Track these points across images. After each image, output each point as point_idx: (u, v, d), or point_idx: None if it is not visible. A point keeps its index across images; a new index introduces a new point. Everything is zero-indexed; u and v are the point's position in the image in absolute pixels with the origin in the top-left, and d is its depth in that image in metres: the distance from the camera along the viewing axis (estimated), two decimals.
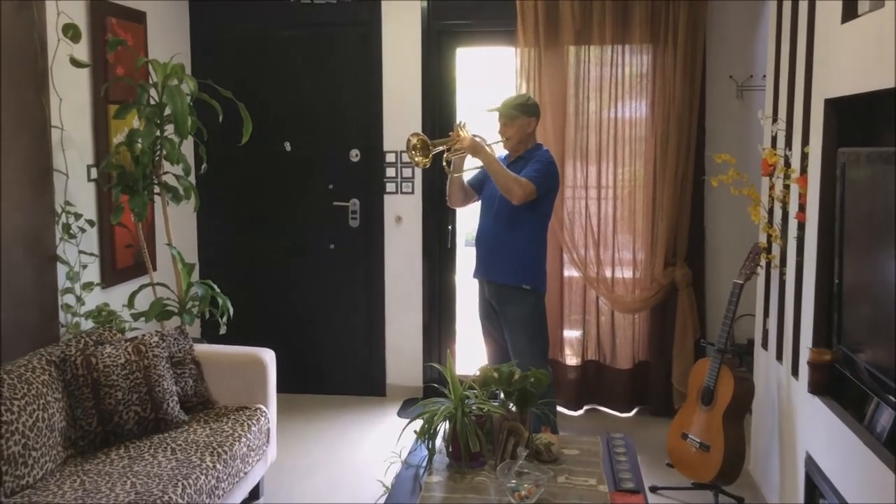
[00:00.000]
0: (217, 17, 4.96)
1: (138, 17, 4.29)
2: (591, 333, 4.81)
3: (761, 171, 3.65)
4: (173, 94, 3.64)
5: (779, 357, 3.48)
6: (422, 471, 2.85)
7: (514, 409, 2.98)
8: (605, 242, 4.70)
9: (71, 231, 3.64)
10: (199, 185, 4.61)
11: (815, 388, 2.85)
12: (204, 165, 4.18)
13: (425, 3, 4.78)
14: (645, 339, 4.78)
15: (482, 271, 3.87)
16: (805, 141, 3.11)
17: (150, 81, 3.89)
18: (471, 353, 5.07)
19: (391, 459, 3.08)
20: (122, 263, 4.12)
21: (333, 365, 5.16)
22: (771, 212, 3.62)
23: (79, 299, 3.68)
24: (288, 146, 5.03)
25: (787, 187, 3.36)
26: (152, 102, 3.76)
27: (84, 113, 3.86)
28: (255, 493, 3.63)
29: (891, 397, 2.28)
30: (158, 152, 3.80)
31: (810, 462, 2.88)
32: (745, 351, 4.20)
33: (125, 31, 4.11)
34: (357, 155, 4.98)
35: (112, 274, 4.04)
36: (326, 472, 4.04)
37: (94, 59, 3.86)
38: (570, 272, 4.78)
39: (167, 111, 3.70)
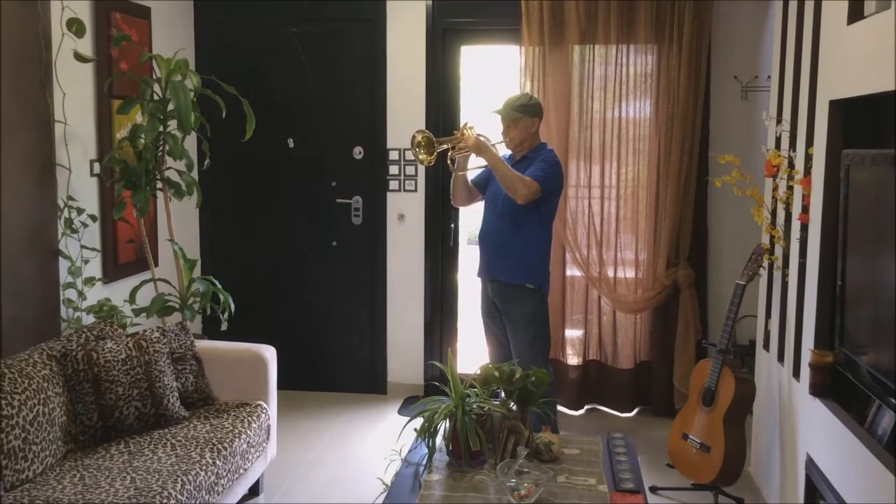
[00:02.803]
0: (221, 12, 4.96)
1: (143, 13, 4.29)
2: (593, 333, 4.81)
3: (765, 172, 3.64)
4: (177, 89, 3.64)
5: (780, 358, 3.47)
6: (422, 469, 2.85)
7: (514, 408, 2.98)
8: (607, 242, 4.69)
9: (73, 226, 3.64)
10: (202, 180, 4.61)
11: (817, 390, 2.84)
12: (207, 161, 4.18)
13: (430, 1, 4.77)
14: (646, 339, 4.78)
15: (486, 270, 3.87)
16: (809, 142, 3.10)
17: (154, 77, 3.89)
18: (472, 351, 5.07)
19: (391, 457, 3.08)
20: (123, 259, 4.12)
21: (335, 362, 5.16)
22: (774, 213, 3.61)
23: (80, 294, 3.68)
24: (291, 143, 5.03)
25: (790, 188, 3.35)
26: (156, 98, 3.76)
27: (87, 108, 3.86)
28: (254, 489, 3.64)
29: (892, 400, 2.27)
30: (161, 148, 3.80)
31: (811, 464, 2.87)
32: (747, 352, 4.19)
33: (130, 27, 4.11)
34: (360, 152, 4.98)
35: (114, 269, 4.04)
36: (326, 469, 4.04)
37: (98, 54, 3.86)
38: (573, 271, 4.77)
39: (171, 107, 3.70)
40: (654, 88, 4.54)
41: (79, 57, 3.57)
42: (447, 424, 2.89)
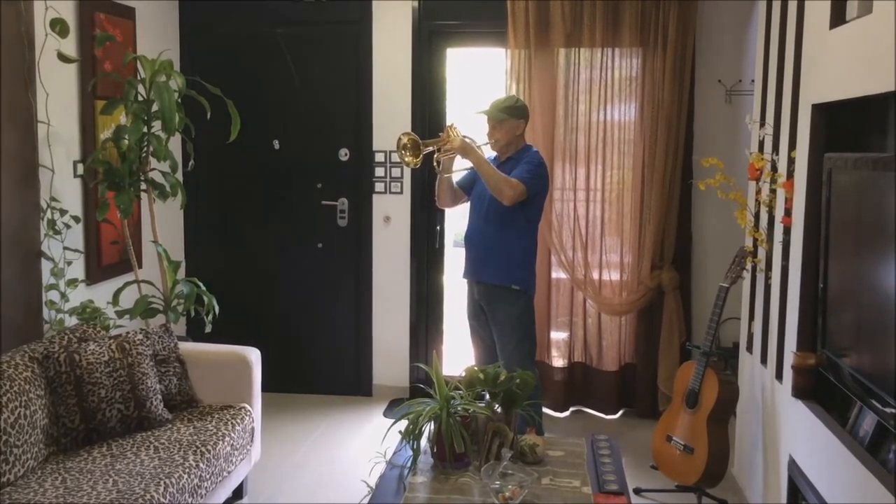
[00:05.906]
0: (206, 13, 4.94)
1: (127, 13, 4.26)
2: (578, 335, 4.82)
3: (748, 175, 3.66)
4: (161, 90, 3.63)
5: (763, 361, 3.49)
6: (406, 471, 2.84)
7: (499, 410, 2.98)
8: (592, 245, 4.70)
9: (56, 227, 3.61)
10: (187, 182, 4.58)
11: (799, 393, 2.86)
12: (191, 162, 4.17)
13: (416, 3, 4.77)
14: (631, 341, 4.79)
15: (472, 272, 3.87)
16: (792, 146, 3.12)
17: (138, 77, 3.87)
18: (458, 353, 5.07)
19: (376, 460, 3.07)
20: (107, 260, 4.09)
21: (320, 364, 5.14)
22: (757, 216, 3.63)
23: (63, 296, 3.66)
24: (276, 144, 5.02)
25: (773, 192, 3.38)
26: (140, 98, 3.74)
27: (71, 108, 3.83)
28: (238, 492, 3.62)
29: (874, 402, 2.29)
30: (145, 149, 3.78)
31: (793, 465, 2.89)
32: (731, 354, 4.21)
33: (114, 27, 4.09)
34: (346, 154, 4.97)
35: (97, 271, 4.01)
36: (311, 471, 4.03)
37: (82, 54, 3.84)
38: (558, 274, 4.78)
39: (155, 107, 3.69)
40: (639, 92, 4.56)
41: (62, 57, 3.55)
42: (432, 427, 2.89)
